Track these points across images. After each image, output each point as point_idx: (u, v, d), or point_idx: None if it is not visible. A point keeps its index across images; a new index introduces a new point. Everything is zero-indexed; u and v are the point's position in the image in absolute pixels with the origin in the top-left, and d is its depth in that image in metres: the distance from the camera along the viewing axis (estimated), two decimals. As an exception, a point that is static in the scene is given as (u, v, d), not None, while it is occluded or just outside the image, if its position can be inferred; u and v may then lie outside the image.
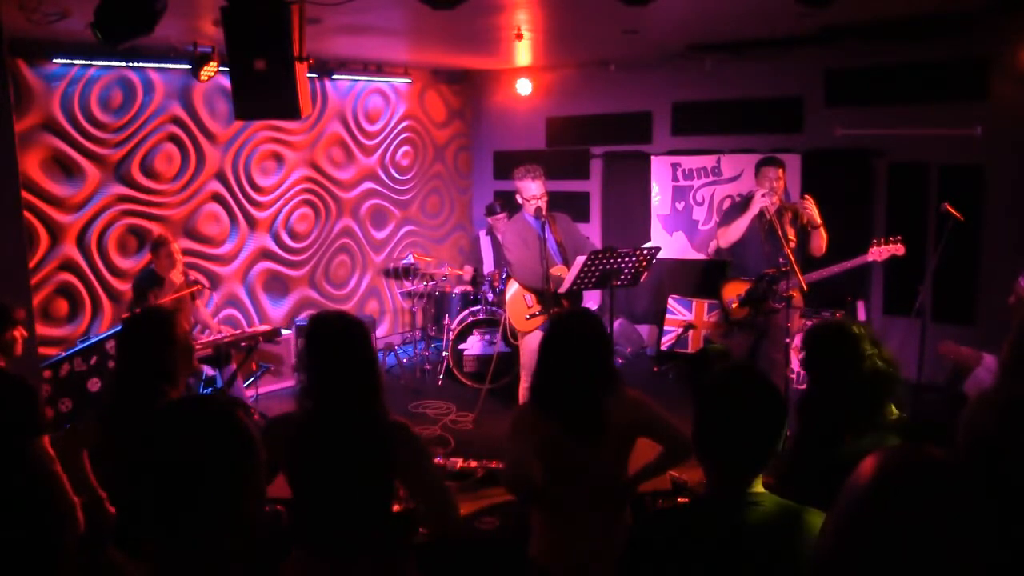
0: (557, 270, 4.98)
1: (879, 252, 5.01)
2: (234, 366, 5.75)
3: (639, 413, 2.57)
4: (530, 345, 5.10)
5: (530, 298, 5.06)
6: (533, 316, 5.04)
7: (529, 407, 2.62)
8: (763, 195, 5.18)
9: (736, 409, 1.73)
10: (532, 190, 5.01)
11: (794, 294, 5.02)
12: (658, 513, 2.35)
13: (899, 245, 4.99)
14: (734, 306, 5.41)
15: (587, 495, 2.50)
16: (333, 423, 2.29)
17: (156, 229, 6.46)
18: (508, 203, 7.34)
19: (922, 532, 1.08)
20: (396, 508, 4.08)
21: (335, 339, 2.33)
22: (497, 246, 7.39)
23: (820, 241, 5.24)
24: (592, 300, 7.76)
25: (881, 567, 1.10)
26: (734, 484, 1.74)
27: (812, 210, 5.21)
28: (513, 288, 5.22)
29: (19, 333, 3.20)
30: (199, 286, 5.88)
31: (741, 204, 5.49)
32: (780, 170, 5.28)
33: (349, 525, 2.32)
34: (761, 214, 5.28)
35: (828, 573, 1.17)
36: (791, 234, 5.21)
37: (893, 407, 2.36)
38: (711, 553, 1.68)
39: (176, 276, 5.55)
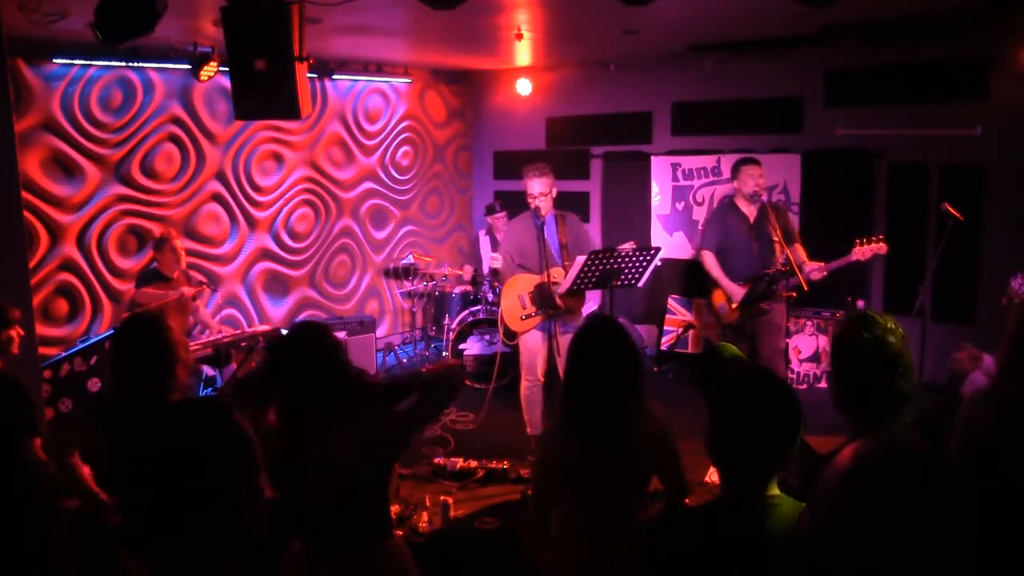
0: (555, 272, 4.97)
1: (862, 252, 4.96)
2: (234, 366, 5.75)
3: (664, 437, 2.52)
4: (528, 345, 5.10)
5: (525, 298, 5.06)
6: (528, 316, 5.03)
7: (552, 431, 2.59)
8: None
9: (753, 411, 1.72)
10: (532, 188, 5.00)
11: (793, 294, 5.02)
12: (674, 515, 2.33)
13: (881, 244, 4.94)
14: (724, 311, 5.38)
15: (610, 512, 2.48)
16: (302, 432, 2.29)
17: (157, 229, 6.46)
18: (508, 203, 7.34)
19: (895, 515, 1.09)
20: (397, 508, 4.11)
21: (298, 353, 2.35)
22: (496, 246, 7.39)
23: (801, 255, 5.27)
24: (592, 300, 7.77)
25: (856, 548, 1.10)
26: (751, 486, 1.73)
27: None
28: (512, 287, 5.20)
29: (15, 333, 3.20)
30: (203, 287, 5.90)
31: (716, 215, 5.47)
32: (759, 168, 5.31)
33: (337, 527, 2.31)
34: (744, 217, 5.28)
35: (808, 556, 1.18)
36: (777, 234, 5.16)
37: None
38: (730, 556, 1.67)
39: (179, 273, 5.59)
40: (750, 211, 5.29)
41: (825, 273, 5.05)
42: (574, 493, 2.50)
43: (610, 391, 2.43)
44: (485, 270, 7.67)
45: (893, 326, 2.06)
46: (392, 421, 2.42)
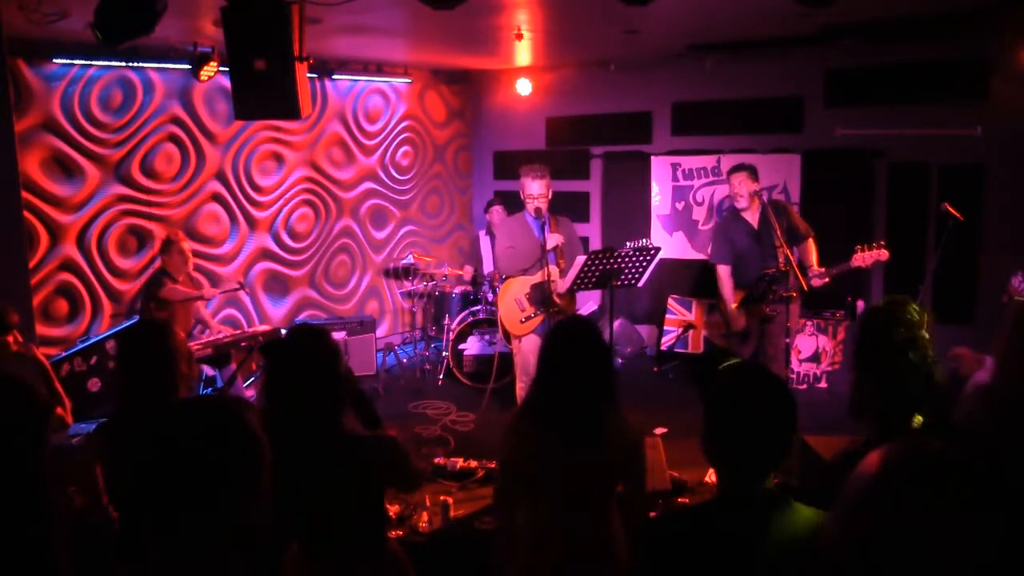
0: (552, 271, 4.96)
1: (863, 258, 4.93)
2: (234, 366, 5.75)
3: (632, 447, 2.51)
4: (522, 346, 5.10)
5: (523, 300, 5.05)
6: (528, 319, 5.03)
7: (516, 428, 2.56)
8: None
9: (748, 409, 1.72)
10: (532, 189, 5.00)
11: (794, 295, 5.00)
12: (671, 515, 2.32)
13: (883, 250, 4.92)
14: (731, 317, 5.37)
15: (577, 513, 2.47)
16: (293, 438, 2.27)
17: (157, 229, 6.47)
18: (509, 202, 7.34)
19: (926, 522, 1.08)
20: (397, 508, 4.12)
21: (293, 358, 2.34)
22: (495, 245, 7.39)
23: (811, 254, 5.25)
24: (592, 300, 7.77)
25: (885, 557, 1.10)
26: (746, 484, 1.73)
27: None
28: (507, 292, 5.19)
29: (12, 338, 3.20)
30: (239, 289, 6.07)
31: (721, 227, 5.46)
32: (743, 174, 5.27)
33: (332, 532, 2.30)
34: (748, 224, 5.26)
35: (834, 564, 1.18)
36: (778, 237, 5.10)
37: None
38: (724, 554, 1.67)
39: (184, 275, 5.64)
40: (753, 217, 5.26)
41: (827, 279, 5.06)
42: (539, 492, 2.49)
43: (576, 389, 2.42)
44: (485, 270, 7.68)
45: (918, 316, 2.09)
46: (391, 449, 2.39)
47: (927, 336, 2.08)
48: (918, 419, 2.14)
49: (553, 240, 4.96)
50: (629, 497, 2.56)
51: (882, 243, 4.96)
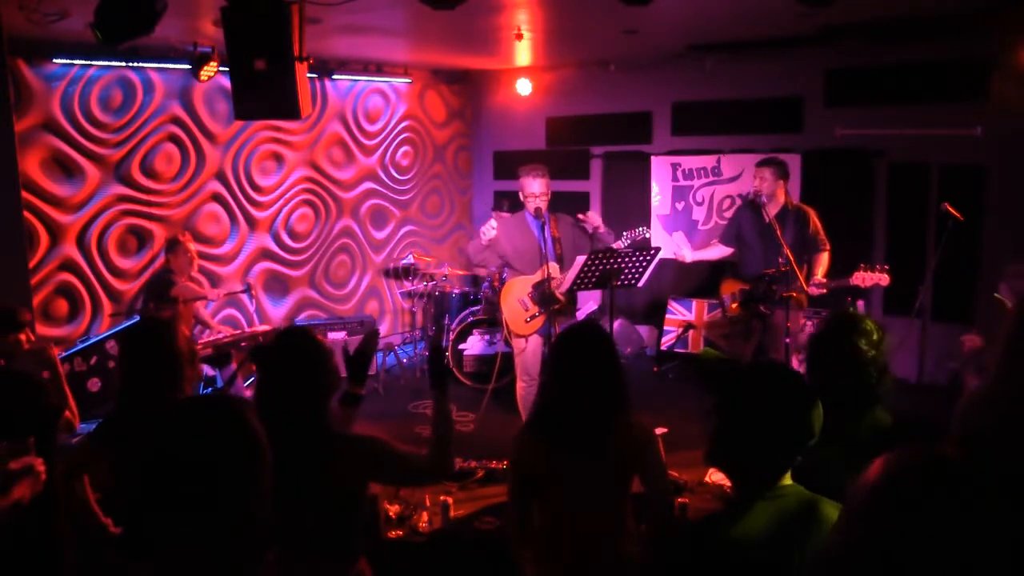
0: (552, 268, 4.97)
1: (863, 278, 4.95)
2: (234, 366, 5.75)
3: (643, 449, 2.51)
4: (527, 347, 5.10)
5: (526, 300, 5.06)
6: (533, 318, 5.03)
7: (527, 434, 2.56)
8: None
9: (768, 409, 1.71)
10: (531, 188, 5.00)
11: (794, 295, 5.00)
12: (687, 524, 2.33)
13: (884, 275, 4.93)
14: (733, 305, 5.41)
15: (588, 514, 2.47)
16: (278, 433, 2.26)
17: (157, 229, 6.47)
18: (514, 203, 7.35)
19: (931, 531, 1.08)
20: (397, 508, 4.11)
21: (285, 356, 2.33)
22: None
23: (819, 265, 5.28)
24: (592, 300, 7.77)
25: (889, 565, 1.10)
26: (761, 484, 1.72)
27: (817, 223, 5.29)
28: (509, 293, 5.19)
29: (24, 336, 3.20)
30: (242, 291, 6.12)
31: (736, 209, 5.50)
32: (767, 170, 5.28)
33: (307, 531, 2.26)
34: (759, 217, 5.27)
35: (836, 570, 1.17)
36: (783, 239, 5.09)
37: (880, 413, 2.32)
38: (738, 558, 1.67)
39: (185, 276, 5.65)
40: (768, 212, 5.24)
41: (824, 291, 5.10)
42: (549, 495, 2.49)
43: (584, 396, 2.41)
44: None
45: (871, 328, 2.24)
46: (387, 452, 2.34)
47: (874, 352, 2.22)
48: (885, 417, 2.23)
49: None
50: (649, 495, 2.56)
51: (885, 268, 4.97)
